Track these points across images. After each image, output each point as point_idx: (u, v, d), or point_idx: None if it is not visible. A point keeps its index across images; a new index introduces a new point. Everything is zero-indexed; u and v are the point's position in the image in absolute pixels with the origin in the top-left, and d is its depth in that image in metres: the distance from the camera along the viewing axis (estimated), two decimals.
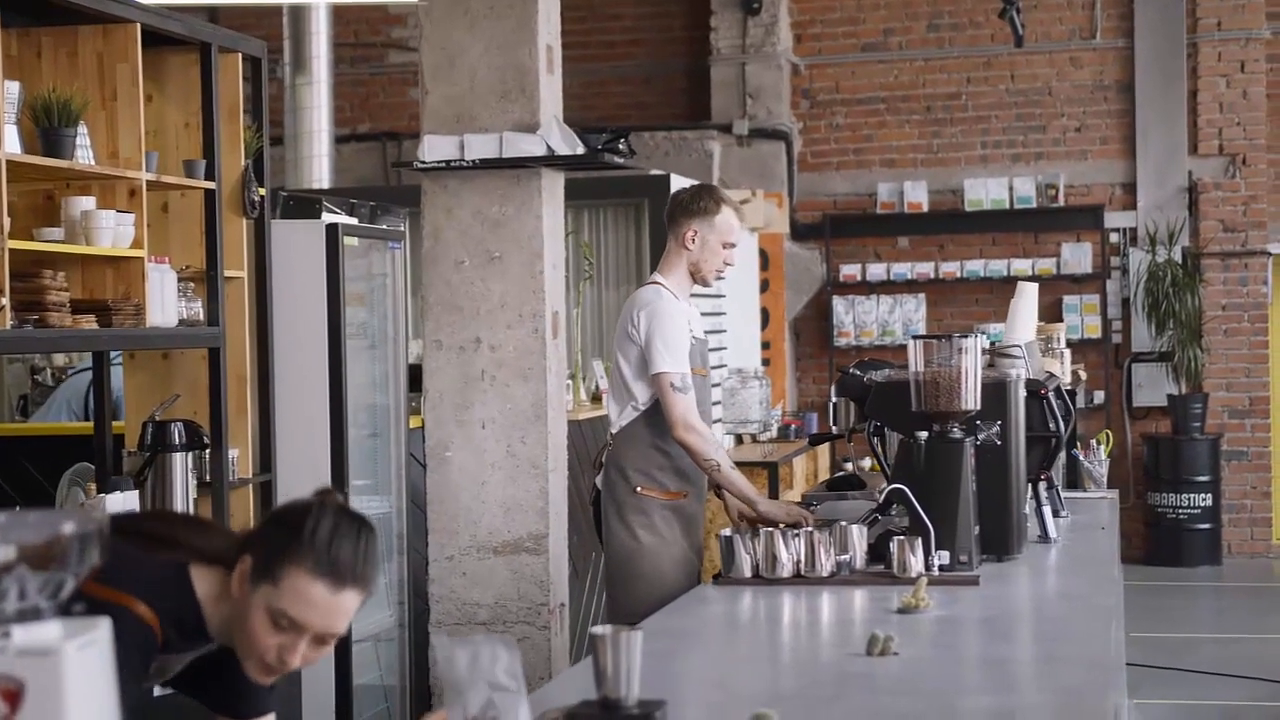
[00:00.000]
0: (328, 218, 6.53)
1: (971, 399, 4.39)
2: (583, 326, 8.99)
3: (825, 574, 4.24)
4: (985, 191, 12.36)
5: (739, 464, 5.54)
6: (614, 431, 5.05)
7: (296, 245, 6.15)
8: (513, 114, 5.41)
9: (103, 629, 1.72)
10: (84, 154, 4.95)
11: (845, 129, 12.69)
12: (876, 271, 12.46)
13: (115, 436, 5.62)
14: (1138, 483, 12.14)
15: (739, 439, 10.12)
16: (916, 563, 4.20)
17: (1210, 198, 12.20)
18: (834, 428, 5.12)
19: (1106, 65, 12.37)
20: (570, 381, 7.86)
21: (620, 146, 5.57)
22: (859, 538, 4.33)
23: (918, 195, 12.46)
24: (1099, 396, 12.18)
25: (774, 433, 10.32)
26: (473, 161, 5.39)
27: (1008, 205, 12.34)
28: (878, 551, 4.34)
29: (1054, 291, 12.08)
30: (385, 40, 13.25)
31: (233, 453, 5.65)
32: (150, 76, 5.36)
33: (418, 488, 6.34)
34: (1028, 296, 5.79)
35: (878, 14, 12.62)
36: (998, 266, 12.28)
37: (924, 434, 4.38)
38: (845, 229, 12.62)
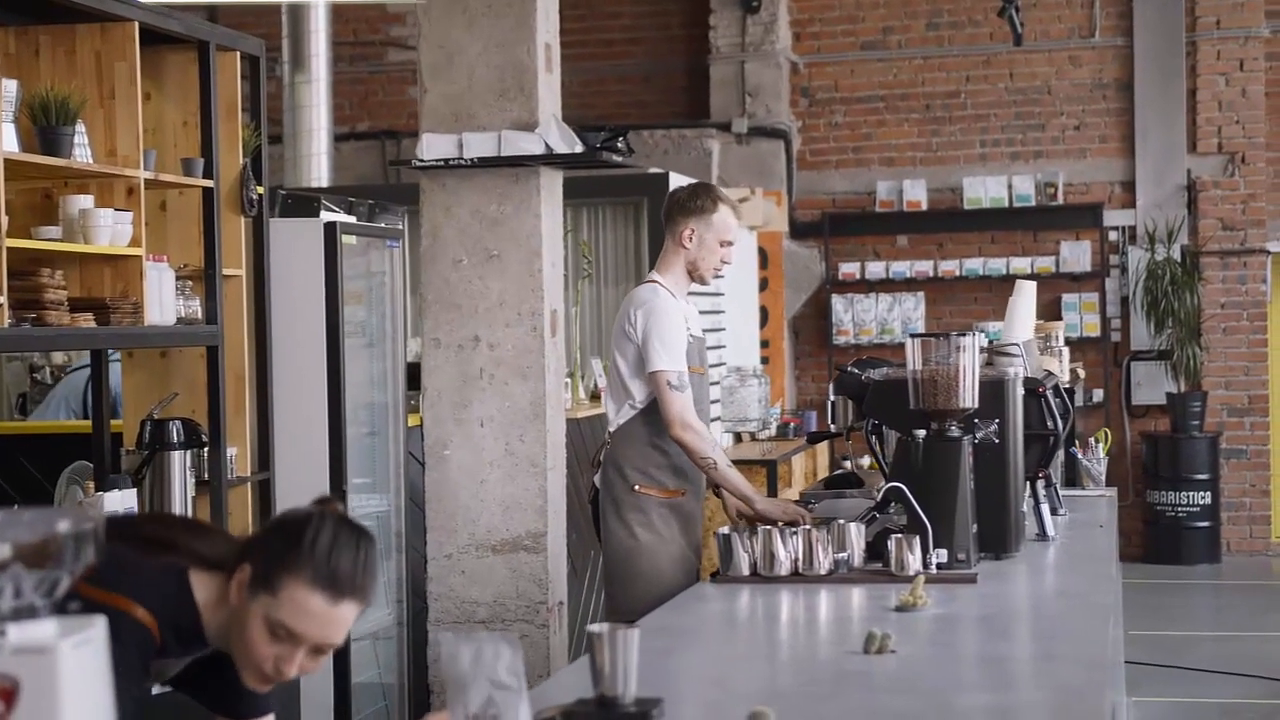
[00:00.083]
0: (326, 216, 6.53)
1: (969, 397, 4.39)
2: (581, 325, 9.00)
3: (823, 572, 4.24)
4: (984, 190, 12.36)
5: (738, 462, 5.55)
6: (612, 430, 5.05)
7: (295, 244, 6.16)
8: (511, 112, 5.41)
9: (98, 627, 1.72)
10: (82, 152, 4.95)
11: (844, 127, 12.69)
12: (875, 270, 12.46)
13: (114, 435, 5.62)
14: (1137, 481, 12.14)
15: (738, 437, 10.12)
16: (914, 561, 4.20)
17: (1209, 196, 12.20)
18: (832, 426, 5.12)
19: (1105, 64, 12.37)
20: (569, 380, 7.87)
21: (619, 145, 5.56)
22: (857, 536, 4.33)
23: (917, 194, 12.46)
24: (1098, 395, 12.19)
25: (773, 431, 10.32)
26: (471, 160, 5.39)
27: (1007, 204, 12.34)
28: (876, 550, 4.34)
29: (1053, 290, 12.08)
30: (384, 38, 13.25)
31: (231, 451, 5.65)
32: (148, 75, 5.36)
33: (416, 486, 6.34)
34: (1026, 295, 5.79)
35: (877, 12, 12.62)
36: (997, 265, 12.28)
37: (922, 432, 4.38)
38: (844, 227, 12.62)
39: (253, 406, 5.85)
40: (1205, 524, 11.85)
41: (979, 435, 4.46)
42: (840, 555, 4.27)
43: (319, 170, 11.08)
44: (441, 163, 5.41)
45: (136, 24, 5.15)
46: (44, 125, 4.81)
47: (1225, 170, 12.19)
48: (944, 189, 12.51)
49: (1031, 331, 5.83)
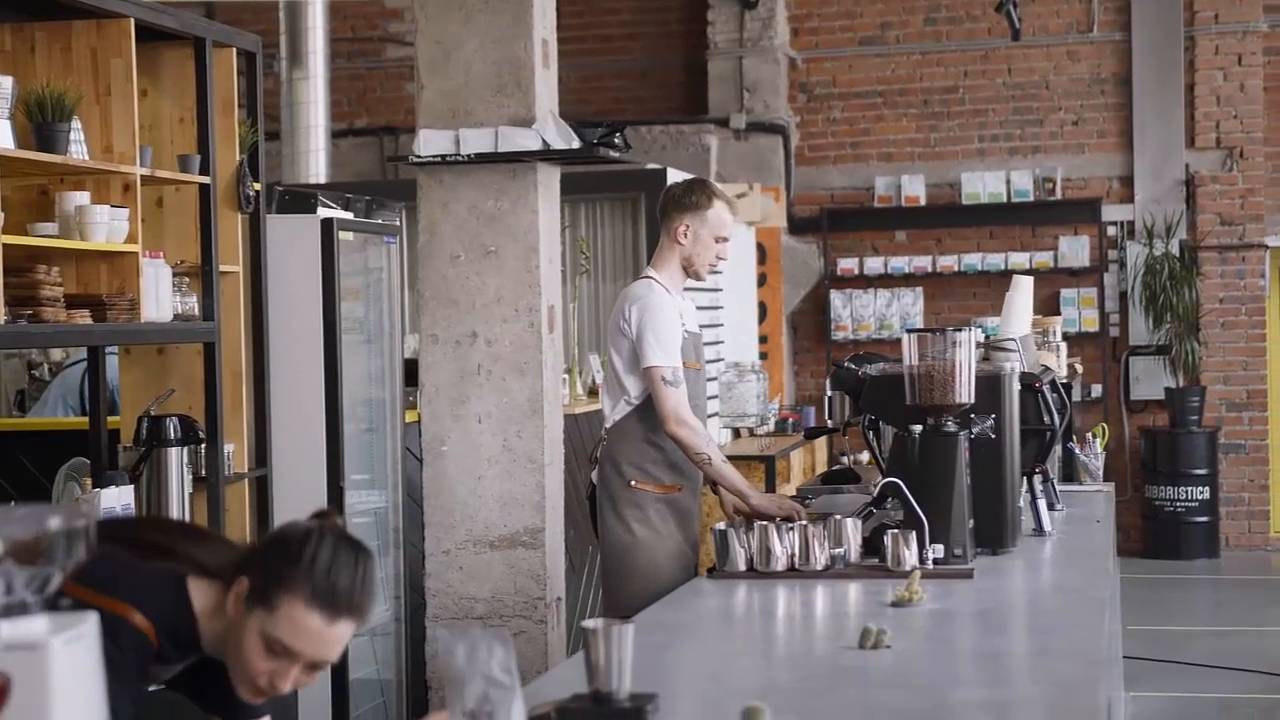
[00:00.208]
0: (323, 212, 6.53)
1: (965, 392, 4.38)
2: (579, 321, 8.99)
3: (819, 567, 4.24)
4: (982, 185, 12.35)
5: (736, 458, 5.55)
6: (608, 426, 5.06)
7: (292, 240, 6.15)
8: (508, 108, 5.41)
9: (89, 624, 1.72)
10: (78, 149, 4.94)
11: (842, 123, 12.68)
12: (874, 265, 12.45)
13: (111, 431, 5.62)
14: (1135, 476, 12.14)
15: (736, 433, 10.12)
16: (910, 556, 4.20)
17: (1208, 191, 12.19)
18: (829, 421, 5.11)
19: (1104, 58, 12.36)
20: (566, 376, 7.86)
21: (616, 141, 5.56)
22: (853, 531, 4.33)
23: (915, 189, 12.46)
24: (1096, 390, 12.18)
25: (771, 427, 10.32)
26: (468, 156, 5.39)
27: (1005, 199, 12.33)
28: (872, 545, 4.34)
29: (1051, 285, 12.08)
30: (382, 35, 13.25)
31: (228, 448, 5.65)
32: (145, 71, 5.36)
33: (414, 482, 6.34)
34: (1023, 290, 5.78)
35: (875, 8, 12.61)
36: (995, 260, 12.27)
37: (918, 427, 4.38)
38: (842, 223, 12.61)
39: (250, 403, 5.85)
40: (1204, 519, 11.85)
41: (975, 430, 4.46)
42: (836, 550, 4.27)
43: (316, 167, 11.08)
44: (439, 159, 5.41)
45: (132, 20, 5.15)
46: (40, 122, 4.80)
47: (1223, 165, 12.19)
48: (942, 184, 12.51)
49: (1028, 326, 5.82)
